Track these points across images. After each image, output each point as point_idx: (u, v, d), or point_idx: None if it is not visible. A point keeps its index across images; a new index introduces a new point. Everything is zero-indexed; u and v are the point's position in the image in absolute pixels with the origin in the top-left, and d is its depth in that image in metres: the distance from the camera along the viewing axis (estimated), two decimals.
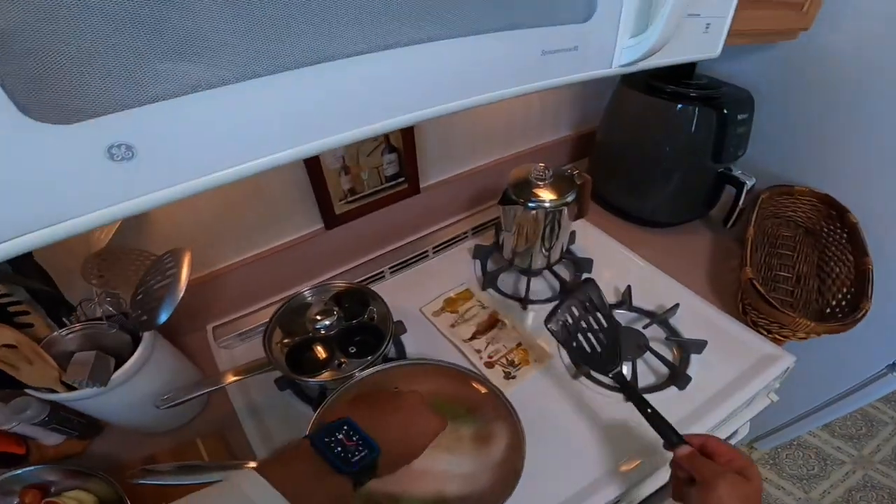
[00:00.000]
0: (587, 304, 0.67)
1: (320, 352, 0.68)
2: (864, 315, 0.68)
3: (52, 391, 0.52)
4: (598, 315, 0.67)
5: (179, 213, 0.69)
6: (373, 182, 0.84)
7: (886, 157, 0.79)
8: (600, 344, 0.65)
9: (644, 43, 0.43)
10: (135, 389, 0.58)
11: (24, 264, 0.54)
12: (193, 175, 0.28)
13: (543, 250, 0.82)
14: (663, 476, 0.60)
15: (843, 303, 0.75)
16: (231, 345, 0.79)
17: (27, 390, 0.53)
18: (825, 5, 0.74)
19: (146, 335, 0.57)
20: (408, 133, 0.82)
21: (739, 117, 0.80)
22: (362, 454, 0.39)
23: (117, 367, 0.54)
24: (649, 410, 0.56)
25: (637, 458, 0.61)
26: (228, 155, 0.28)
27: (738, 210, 0.87)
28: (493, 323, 0.79)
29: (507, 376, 0.71)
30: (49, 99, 0.22)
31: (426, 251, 0.92)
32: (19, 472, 0.53)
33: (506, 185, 0.77)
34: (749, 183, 0.83)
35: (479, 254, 0.91)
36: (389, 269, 0.89)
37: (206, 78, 0.25)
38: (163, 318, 0.51)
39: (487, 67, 0.38)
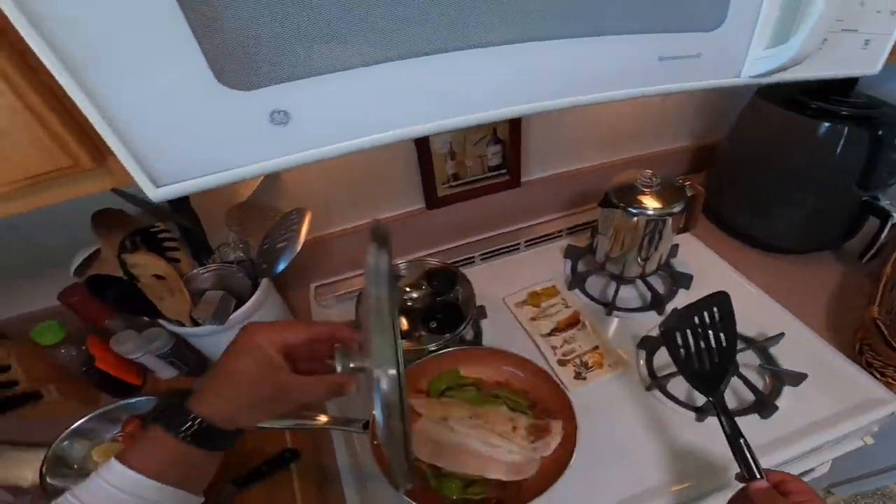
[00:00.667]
0: (714, 317, 0.61)
1: (405, 322, 0.74)
2: None
3: (181, 325, 0.63)
4: (721, 334, 0.60)
5: (305, 178, 0.78)
6: (475, 170, 0.88)
7: None
8: (711, 363, 0.60)
9: (780, 55, 0.41)
10: None
11: (182, 206, 0.65)
12: (336, 140, 0.34)
13: (639, 259, 0.79)
14: None
15: None
16: (329, 304, 0.88)
17: (161, 321, 0.64)
18: None
19: (264, 282, 0.67)
20: (514, 126, 0.84)
21: None
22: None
23: (236, 309, 0.63)
24: (742, 440, 0.51)
25: (688, 480, 0.59)
26: (363, 126, 0.34)
27: (878, 244, 0.76)
28: (573, 323, 0.79)
29: (578, 376, 0.71)
30: (237, 69, 0.28)
31: (518, 244, 0.94)
32: (133, 400, 0.65)
33: (608, 188, 0.76)
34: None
35: (571, 254, 0.90)
36: (480, 255, 0.93)
37: (351, 59, 0.30)
38: (280, 267, 0.60)
39: (601, 69, 0.39)
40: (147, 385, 0.76)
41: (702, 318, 0.61)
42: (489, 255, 0.93)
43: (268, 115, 0.31)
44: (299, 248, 0.59)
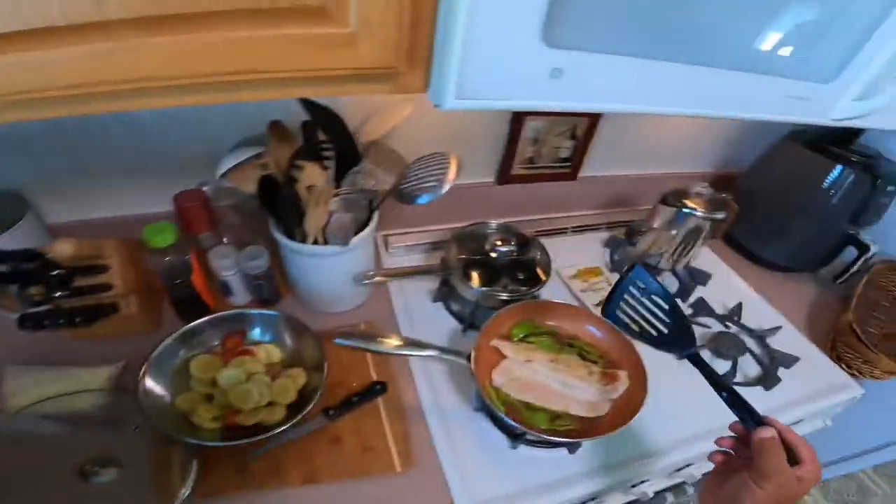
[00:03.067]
0: (641, 287, 0.61)
1: (481, 275, 0.83)
2: None
3: (304, 242, 0.67)
4: (657, 298, 0.59)
5: (412, 130, 0.83)
6: (548, 158, 1.00)
7: None
8: (666, 326, 0.59)
9: (864, 107, 0.55)
10: (349, 261, 0.73)
11: (341, 131, 0.67)
12: (587, 100, 0.44)
13: (673, 257, 0.95)
14: None
15: None
16: (396, 253, 0.96)
17: (280, 237, 0.67)
18: None
19: (375, 216, 0.73)
20: (591, 127, 0.97)
21: (888, 188, 0.91)
22: None
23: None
24: (724, 394, 0.51)
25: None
26: (607, 96, 0.45)
27: (851, 271, 0.98)
28: None
29: None
30: (556, 28, 0.37)
31: (566, 229, 1.08)
32: (252, 311, 0.69)
33: (669, 190, 0.91)
34: (873, 249, 0.94)
35: (612, 244, 1.05)
36: (535, 233, 1.05)
37: (623, 48, 0.41)
38: (424, 199, 0.67)
39: (753, 95, 0.52)
40: (216, 310, 0.72)
41: (636, 292, 0.61)
42: (541, 233, 1.06)
43: (549, 69, 0.41)
44: (447, 188, 0.67)
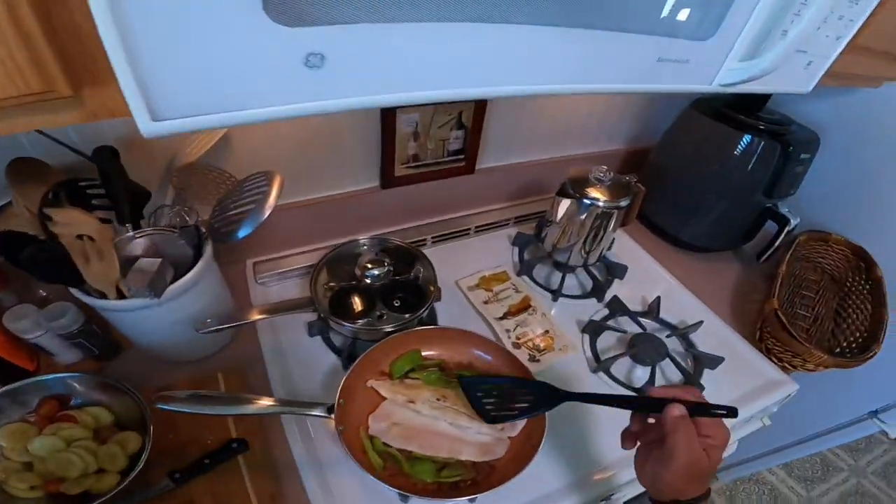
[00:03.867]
0: (484, 388, 0.59)
1: (360, 302, 0.71)
2: (872, 356, 0.73)
3: (103, 297, 0.54)
4: (502, 385, 0.61)
5: (258, 143, 0.72)
6: (435, 153, 0.87)
7: None
8: (530, 394, 0.58)
9: (752, 68, 0.45)
10: (180, 308, 0.59)
11: (111, 163, 0.54)
12: (362, 93, 0.31)
13: (584, 250, 0.85)
14: None
15: (854, 345, 0.80)
16: (268, 282, 0.81)
17: (73, 290, 0.54)
18: None
19: (206, 252, 0.59)
20: (479, 113, 0.85)
21: (802, 156, 0.83)
22: None
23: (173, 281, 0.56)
24: (624, 405, 0.50)
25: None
26: (392, 83, 0.32)
27: (774, 247, 0.90)
28: (524, 307, 0.82)
29: (532, 359, 0.74)
30: (284, 4, 0.25)
31: (468, 229, 0.96)
32: (46, 377, 0.56)
33: (565, 179, 0.80)
34: (793, 222, 0.86)
35: (519, 241, 0.94)
36: (432, 238, 0.92)
37: (398, 13, 0.28)
38: (242, 233, 0.54)
39: (612, 61, 0.40)
40: (42, 371, 0.64)
41: (484, 394, 0.59)
42: (440, 238, 0.93)
43: (303, 57, 0.28)
44: (269, 211, 0.54)
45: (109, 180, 0.54)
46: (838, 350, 0.81)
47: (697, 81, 0.47)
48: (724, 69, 0.47)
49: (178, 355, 0.68)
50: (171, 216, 0.59)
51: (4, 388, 0.55)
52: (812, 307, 0.90)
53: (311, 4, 0.26)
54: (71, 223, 0.48)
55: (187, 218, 0.60)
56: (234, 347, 0.72)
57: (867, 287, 0.87)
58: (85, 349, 0.65)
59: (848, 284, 0.92)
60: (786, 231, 0.87)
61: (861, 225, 0.93)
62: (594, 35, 0.37)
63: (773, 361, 0.79)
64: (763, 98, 0.89)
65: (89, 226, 0.49)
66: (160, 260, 0.56)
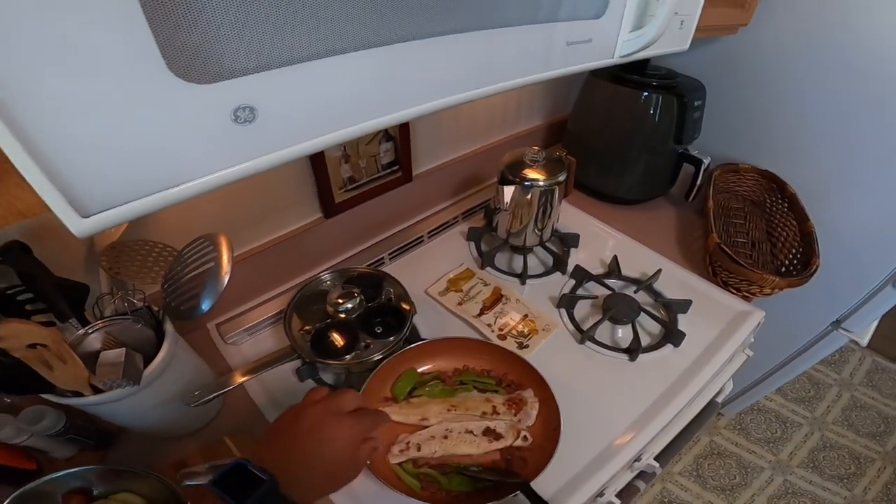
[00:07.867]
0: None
1: (341, 337, 0.68)
2: (816, 269, 0.79)
3: (79, 395, 0.49)
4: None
5: (184, 206, 0.65)
6: (370, 170, 0.86)
7: (816, 135, 0.93)
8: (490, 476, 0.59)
9: (643, 37, 0.50)
10: (163, 388, 0.55)
11: (24, 259, 0.49)
12: (302, 139, 0.31)
13: (536, 229, 0.87)
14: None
15: (795, 261, 0.87)
16: (238, 341, 0.77)
17: (46, 396, 0.49)
18: (762, 2, 0.86)
19: (169, 329, 0.55)
20: (404, 122, 0.84)
21: (696, 103, 0.91)
22: (258, 488, 0.38)
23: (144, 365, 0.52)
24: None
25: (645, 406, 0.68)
26: (330, 120, 0.31)
27: (697, 186, 0.98)
28: (497, 298, 0.83)
29: (521, 346, 0.75)
30: (196, 55, 0.23)
31: (421, 236, 0.95)
32: (59, 474, 0.50)
33: (501, 167, 0.81)
34: (706, 161, 0.94)
35: (473, 235, 0.95)
36: (388, 255, 0.91)
37: (315, 49, 0.28)
38: (205, 305, 0.50)
39: (527, 54, 0.44)
40: (44, 468, 0.59)
41: None
42: (397, 252, 0.92)
43: (231, 113, 0.26)
44: (226, 277, 0.50)
45: (33, 280, 0.48)
46: (784, 269, 0.88)
47: (602, 57, 0.51)
48: (621, 41, 0.51)
49: (175, 432, 0.64)
50: (116, 303, 0.54)
51: (21, 490, 0.50)
52: (746, 233, 0.99)
53: (221, 55, 0.24)
54: (14, 335, 0.42)
55: (134, 301, 0.54)
56: (229, 411, 0.68)
57: (785, 205, 0.97)
58: (79, 442, 0.61)
59: (769, 206, 1.02)
60: (702, 170, 0.95)
61: (761, 152, 1.03)
62: (513, 31, 0.40)
63: (733, 293, 0.85)
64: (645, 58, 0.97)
65: (34, 334, 0.44)
66: (124, 349, 0.51)
